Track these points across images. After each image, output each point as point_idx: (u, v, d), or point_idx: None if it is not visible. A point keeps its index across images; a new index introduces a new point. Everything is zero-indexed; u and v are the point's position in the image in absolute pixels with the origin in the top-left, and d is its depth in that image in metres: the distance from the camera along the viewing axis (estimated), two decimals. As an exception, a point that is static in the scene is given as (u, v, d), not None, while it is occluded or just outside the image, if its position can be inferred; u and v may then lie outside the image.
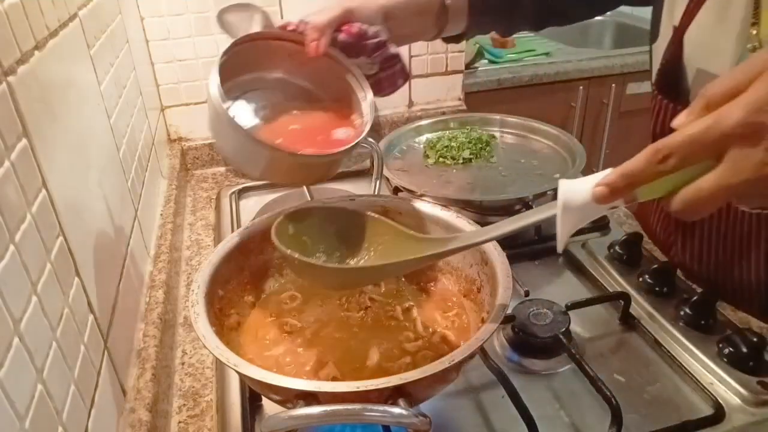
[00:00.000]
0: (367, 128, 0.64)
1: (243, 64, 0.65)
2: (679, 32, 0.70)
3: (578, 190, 0.45)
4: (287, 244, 0.55)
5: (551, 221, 0.46)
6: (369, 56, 0.69)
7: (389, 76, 0.72)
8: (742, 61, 0.63)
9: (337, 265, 0.55)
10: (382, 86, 0.72)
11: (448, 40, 0.85)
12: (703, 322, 0.69)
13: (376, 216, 0.60)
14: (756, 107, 0.37)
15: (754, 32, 0.63)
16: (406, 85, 1.32)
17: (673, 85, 0.72)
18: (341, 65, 0.68)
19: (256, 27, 0.66)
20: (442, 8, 0.77)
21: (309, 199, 0.77)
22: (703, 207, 0.40)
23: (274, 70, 0.69)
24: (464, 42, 0.90)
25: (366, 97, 0.68)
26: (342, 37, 0.67)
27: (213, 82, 0.59)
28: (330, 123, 0.68)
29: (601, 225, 0.92)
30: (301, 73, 0.70)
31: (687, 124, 0.40)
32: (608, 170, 0.43)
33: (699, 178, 0.40)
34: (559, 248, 0.48)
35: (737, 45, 0.64)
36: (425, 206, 0.69)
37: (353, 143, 0.63)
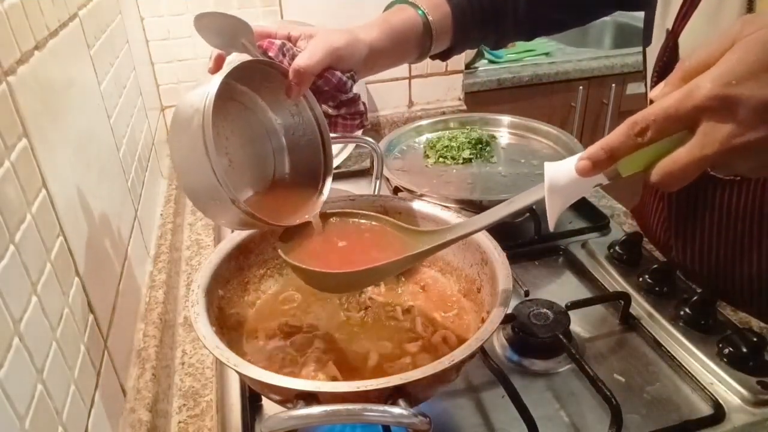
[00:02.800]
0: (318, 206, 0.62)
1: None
2: (673, 35, 0.70)
3: (562, 170, 0.47)
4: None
5: (543, 208, 0.48)
6: (339, 107, 0.68)
7: (346, 125, 0.70)
8: None
9: (338, 270, 0.55)
10: (336, 128, 0.70)
11: (435, 57, 0.83)
12: (703, 322, 0.69)
13: (373, 215, 0.61)
14: (725, 80, 0.38)
15: None
16: (407, 85, 1.33)
17: None
18: (313, 114, 0.63)
19: (239, 39, 0.61)
20: (425, 29, 0.76)
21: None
22: (680, 177, 0.41)
23: (258, 95, 0.63)
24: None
25: (324, 189, 0.63)
26: (320, 83, 0.64)
27: (207, 111, 0.50)
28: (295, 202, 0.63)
29: (601, 225, 0.92)
30: (278, 109, 0.65)
31: (662, 96, 0.41)
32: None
33: (675, 149, 0.41)
34: (551, 227, 0.49)
35: None
36: (425, 206, 0.69)
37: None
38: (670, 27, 0.71)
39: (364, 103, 0.71)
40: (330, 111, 0.69)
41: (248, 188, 0.63)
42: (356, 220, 0.62)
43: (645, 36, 0.78)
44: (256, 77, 0.60)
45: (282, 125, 0.65)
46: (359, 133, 0.73)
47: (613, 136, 0.43)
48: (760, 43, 0.38)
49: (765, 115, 0.37)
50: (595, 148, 0.43)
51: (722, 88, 0.38)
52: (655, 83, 0.73)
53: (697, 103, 0.39)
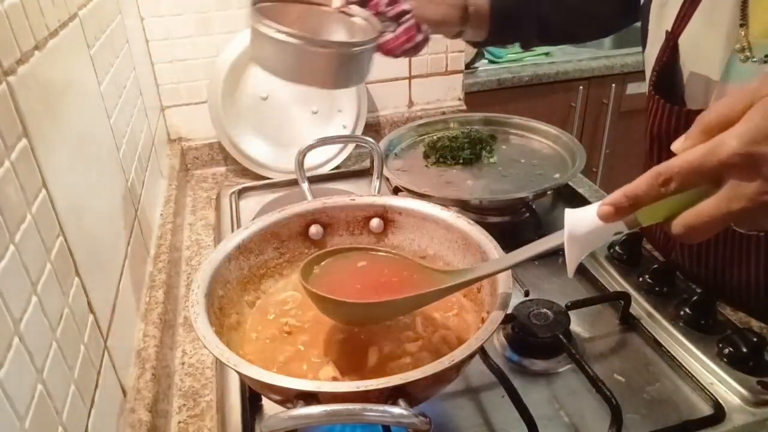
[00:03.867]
0: (375, 32, 0.75)
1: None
2: (673, 36, 0.71)
3: (583, 218, 0.47)
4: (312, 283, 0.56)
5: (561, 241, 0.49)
6: (382, 10, 0.77)
7: (405, 30, 0.78)
8: (731, 62, 0.65)
9: (362, 300, 0.55)
10: (400, 40, 0.78)
11: (473, 45, 0.91)
12: (703, 322, 0.69)
13: (394, 253, 0.61)
14: (750, 138, 0.39)
15: (743, 33, 0.64)
16: (407, 85, 1.33)
17: (669, 87, 0.72)
18: (352, 17, 0.78)
19: None
20: (464, 9, 0.82)
21: (309, 199, 0.77)
22: (703, 231, 0.41)
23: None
24: (464, 42, 0.93)
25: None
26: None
27: (257, 18, 0.68)
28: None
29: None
30: (313, 32, 0.75)
31: (685, 149, 0.42)
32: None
33: (698, 202, 0.41)
34: (570, 274, 0.49)
35: (725, 46, 0.65)
36: (425, 206, 0.69)
37: (373, 36, 0.73)
38: (669, 28, 0.71)
39: (422, 31, 0.79)
40: (386, 29, 0.78)
41: None
42: (380, 254, 0.62)
43: (642, 41, 0.79)
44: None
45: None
46: (425, 47, 0.82)
47: (637, 184, 0.43)
48: None
49: None
50: (618, 194, 0.44)
51: (748, 146, 0.38)
52: (653, 84, 0.74)
53: (723, 159, 0.39)
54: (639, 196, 0.43)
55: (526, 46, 0.96)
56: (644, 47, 0.79)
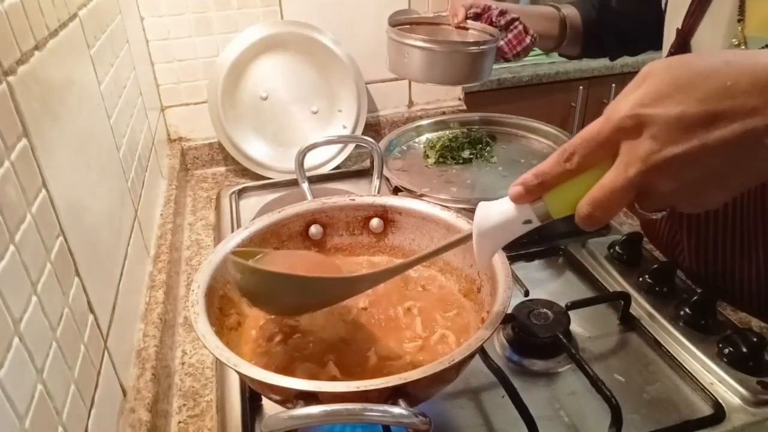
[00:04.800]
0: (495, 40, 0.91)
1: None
2: (683, 34, 0.71)
3: (492, 210, 0.47)
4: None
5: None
6: (494, 20, 0.93)
7: (515, 35, 0.92)
8: None
9: (307, 274, 0.54)
10: (512, 44, 0.92)
11: (567, 57, 1.08)
12: (703, 322, 0.69)
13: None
14: (638, 101, 0.39)
15: (740, 28, 0.64)
16: (407, 85, 1.33)
17: None
18: (469, 27, 0.97)
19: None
20: (560, 17, 0.98)
21: (310, 199, 0.77)
22: (607, 206, 0.41)
23: None
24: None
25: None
26: (472, 11, 0.95)
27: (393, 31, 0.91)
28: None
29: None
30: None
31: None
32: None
33: None
34: (480, 267, 0.50)
35: (723, 42, 0.66)
36: (425, 206, 0.69)
37: (491, 38, 0.91)
38: (679, 26, 0.72)
39: (529, 34, 0.93)
40: (499, 38, 0.93)
41: None
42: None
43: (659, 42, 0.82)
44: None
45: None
46: (533, 45, 0.95)
47: (545, 163, 0.44)
48: (667, 69, 0.39)
49: (679, 129, 0.38)
50: (527, 174, 0.44)
51: (636, 108, 0.39)
52: None
53: (615, 123, 0.40)
54: (546, 173, 0.43)
55: (614, 58, 1.09)
56: (660, 45, 0.81)
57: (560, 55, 1.06)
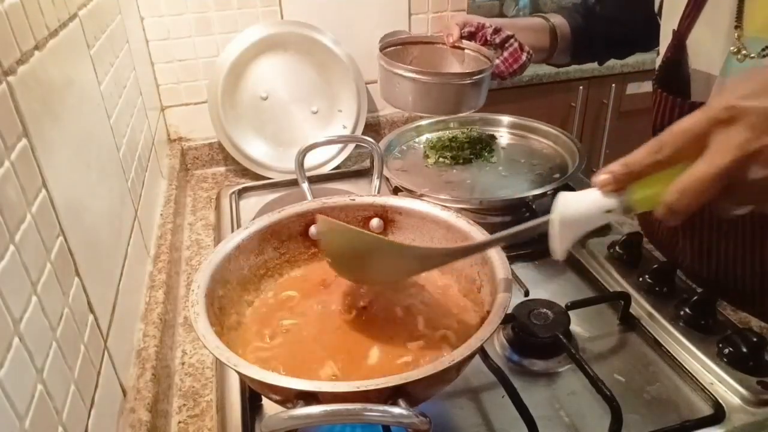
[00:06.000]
0: (493, 63, 0.89)
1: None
2: (678, 34, 0.71)
3: (575, 200, 0.47)
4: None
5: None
6: (489, 39, 0.90)
7: (511, 53, 0.90)
8: (728, 61, 0.67)
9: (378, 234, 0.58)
10: (509, 63, 0.91)
11: (557, 65, 1.07)
12: (703, 322, 0.69)
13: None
14: (735, 96, 0.40)
15: (736, 35, 0.65)
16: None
17: (673, 83, 0.74)
18: (463, 50, 0.95)
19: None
20: (550, 28, 0.97)
21: (310, 199, 0.77)
22: (695, 193, 0.41)
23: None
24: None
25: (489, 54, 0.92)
26: (466, 29, 0.93)
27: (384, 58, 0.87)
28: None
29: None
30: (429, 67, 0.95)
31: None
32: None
33: None
34: (558, 256, 0.49)
35: (724, 46, 0.66)
36: (425, 206, 0.69)
37: (485, 68, 0.88)
38: (675, 27, 0.73)
39: (525, 51, 0.91)
40: (493, 56, 0.92)
41: None
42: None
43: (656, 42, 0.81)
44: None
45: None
46: (529, 63, 0.94)
47: (633, 154, 0.44)
48: (759, 72, 0.41)
49: None
50: (615, 164, 0.44)
51: (732, 101, 0.40)
52: (657, 79, 0.75)
53: (711, 115, 0.40)
54: (634, 163, 0.44)
55: (602, 63, 1.11)
56: (656, 44, 0.81)
57: (550, 64, 1.06)
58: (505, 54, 0.91)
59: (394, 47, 0.95)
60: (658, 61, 0.77)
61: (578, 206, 0.46)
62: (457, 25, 0.92)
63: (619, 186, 0.44)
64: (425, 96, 0.86)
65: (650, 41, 0.83)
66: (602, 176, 0.45)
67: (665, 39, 0.76)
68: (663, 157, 0.42)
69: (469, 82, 0.86)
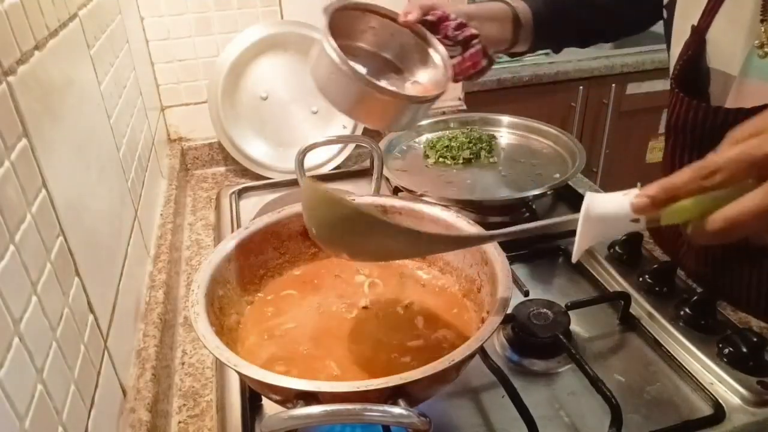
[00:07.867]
0: (446, 86, 0.74)
1: (335, 30, 0.69)
2: (698, 31, 0.70)
3: (603, 202, 0.45)
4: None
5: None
6: (450, 34, 0.77)
7: (472, 55, 0.77)
8: (750, 58, 0.65)
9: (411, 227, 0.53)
10: (465, 66, 0.77)
11: (513, 55, 0.93)
12: (703, 322, 0.69)
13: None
14: None
15: (762, 29, 0.63)
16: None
17: (692, 82, 0.72)
18: (424, 39, 0.77)
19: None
20: (514, 15, 0.85)
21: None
22: (742, 225, 0.40)
23: (358, 41, 0.77)
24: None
25: (442, 57, 0.77)
26: (428, 17, 0.77)
27: (328, 40, 0.66)
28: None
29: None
30: (385, 47, 0.78)
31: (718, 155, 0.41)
32: (637, 188, 0.44)
33: (727, 203, 0.40)
34: (574, 257, 0.48)
35: (746, 42, 0.65)
36: (425, 206, 0.69)
37: (436, 93, 0.73)
38: (695, 23, 0.71)
39: (487, 56, 0.79)
40: (452, 52, 0.78)
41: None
42: None
43: (666, 38, 0.79)
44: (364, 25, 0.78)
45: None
46: (490, 69, 0.81)
47: (678, 176, 0.42)
48: None
49: None
50: (657, 187, 0.43)
51: None
52: (674, 78, 0.73)
53: None
54: (677, 188, 0.42)
55: (559, 50, 0.99)
56: (668, 43, 0.78)
57: (508, 55, 0.94)
58: (466, 54, 0.78)
59: (352, 11, 0.76)
60: (673, 58, 0.76)
61: (607, 208, 0.45)
62: (421, 7, 0.78)
63: (656, 210, 0.43)
64: (361, 104, 0.70)
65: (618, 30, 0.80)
66: (642, 199, 0.43)
67: (681, 35, 0.73)
68: (712, 184, 0.40)
69: (413, 104, 0.72)
